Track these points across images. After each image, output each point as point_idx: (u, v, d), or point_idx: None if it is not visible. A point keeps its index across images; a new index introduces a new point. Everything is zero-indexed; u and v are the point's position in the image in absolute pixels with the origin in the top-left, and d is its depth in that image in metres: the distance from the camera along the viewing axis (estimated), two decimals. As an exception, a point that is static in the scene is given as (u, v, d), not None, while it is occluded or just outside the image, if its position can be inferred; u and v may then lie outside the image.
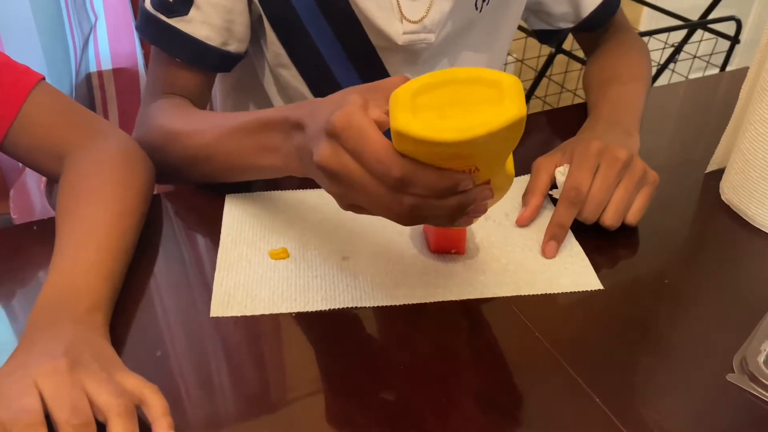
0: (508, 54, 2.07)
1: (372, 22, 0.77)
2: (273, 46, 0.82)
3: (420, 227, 0.64)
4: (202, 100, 0.79)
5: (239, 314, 0.55)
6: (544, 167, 0.66)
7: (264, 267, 0.59)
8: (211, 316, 0.54)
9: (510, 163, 0.49)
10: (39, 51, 1.26)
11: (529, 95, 2.04)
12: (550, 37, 0.95)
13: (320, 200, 0.68)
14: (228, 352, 0.52)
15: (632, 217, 0.63)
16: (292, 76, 0.84)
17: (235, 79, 0.94)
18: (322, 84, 0.84)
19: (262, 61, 0.86)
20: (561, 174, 0.65)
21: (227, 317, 0.54)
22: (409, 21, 0.77)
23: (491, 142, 0.40)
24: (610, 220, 0.62)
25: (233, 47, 0.76)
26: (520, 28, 1.92)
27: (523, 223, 0.65)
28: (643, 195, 0.63)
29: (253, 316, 0.55)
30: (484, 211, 0.48)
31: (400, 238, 0.63)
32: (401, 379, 0.50)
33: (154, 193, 0.66)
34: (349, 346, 0.53)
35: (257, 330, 0.54)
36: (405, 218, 0.46)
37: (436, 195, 0.44)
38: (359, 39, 0.80)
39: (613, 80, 0.83)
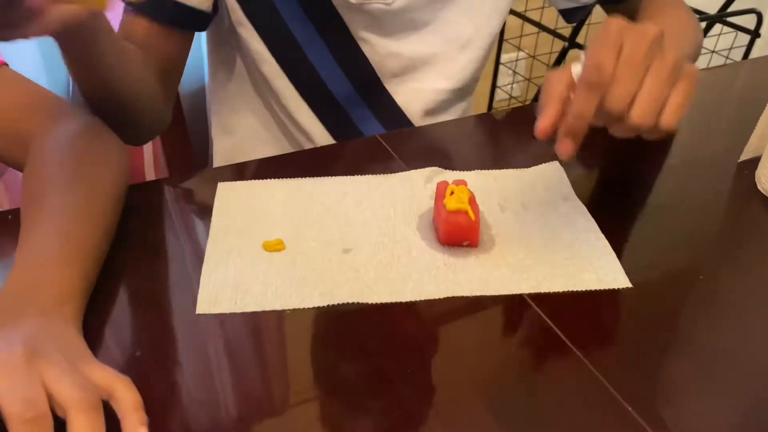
0: (520, 49, 2.01)
1: None
2: (233, 9, 0.77)
3: (429, 219, 0.59)
4: (161, 58, 0.73)
5: (228, 311, 0.49)
6: (557, 75, 0.51)
7: (257, 260, 0.54)
8: (197, 313, 0.49)
9: None
10: (37, 53, 1.23)
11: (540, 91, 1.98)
12: (576, 14, 0.89)
13: (319, 188, 0.62)
14: (215, 352, 0.47)
15: (669, 118, 0.47)
16: (250, 36, 0.79)
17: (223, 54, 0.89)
18: (282, 44, 0.79)
19: (224, 23, 0.81)
20: (578, 67, 0.50)
21: (214, 314, 0.49)
22: None
23: None
24: (640, 115, 0.47)
25: (192, 1, 0.72)
26: (533, 22, 1.88)
27: (542, 135, 0.49)
28: (680, 90, 0.48)
29: (243, 314, 0.49)
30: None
31: (406, 229, 0.58)
32: (407, 382, 0.44)
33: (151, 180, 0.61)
34: (349, 346, 0.47)
35: (247, 329, 0.49)
36: None
37: None
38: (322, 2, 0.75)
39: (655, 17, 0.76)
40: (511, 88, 2.12)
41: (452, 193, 0.55)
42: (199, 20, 0.74)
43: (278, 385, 0.45)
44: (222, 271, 0.53)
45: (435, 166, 0.65)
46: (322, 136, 0.86)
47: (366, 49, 0.80)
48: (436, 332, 0.49)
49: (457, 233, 0.54)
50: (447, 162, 0.67)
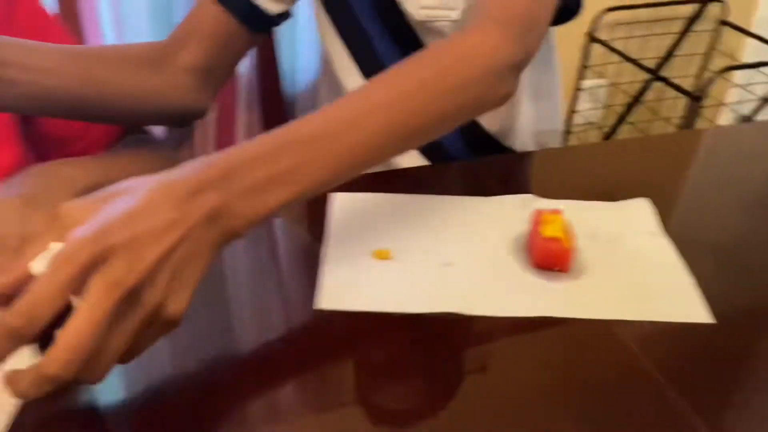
0: (601, 76, 2.04)
1: None
2: (319, 15, 0.84)
3: (522, 242, 0.64)
4: (211, 46, 0.77)
5: (343, 308, 0.56)
6: (66, 220, 0.42)
7: (367, 266, 0.60)
8: (315, 308, 0.56)
9: None
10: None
11: (621, 120, 2.00)
12: None
13: (424, 204, 0.68)
14: (328, 346, 0.53)
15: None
16: (337, 42, 0.85)
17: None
18: (363, 52, 0.85)
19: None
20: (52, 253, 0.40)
21: (330, 310, 0.56)
22: None
23: None
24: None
25: (264, 3, 0.77)
26: (616, 51, 1.90)
27: None
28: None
29: (353, 312, 0.56)
30: None
31: (502, 250, 0.63)
32: (493, 394, 0.50)
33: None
34: (442, 353, 0.53)
35: (356, 325, 0.55)
36: None
37: None
38: (395, 14, 0.80)
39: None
40: (590, 114, 2.14)
41: (548, 221, 0.60)
42: (262, 22, 0.79)
43: (376, 380, 0.51)
44: (338, 272, 0.59)
45: (529, 193, 0.71)
46: None
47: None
48: (524, 348, 0.54)
49: (551, 258, 0.59)
50: (539, 190, 0.72)
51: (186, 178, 0.43)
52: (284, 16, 0.83)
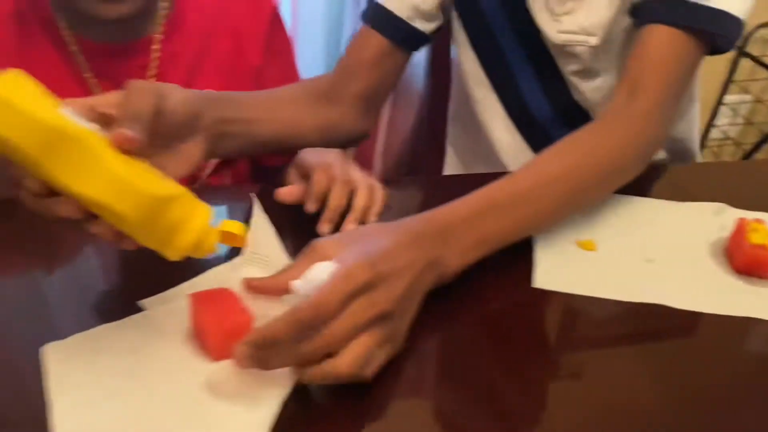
0: (746, 92, 1.99)
1: (536, 19, 0.82)
2: (458, 32, 0.90)
3: (719, 247, 0.67)
4: (375, 73, 0.86)
5: (556, 289, 0.61)
6: (320, 252, 0.52)
7: (574, 253, 0.66)
8: (533, 286, 0.61)
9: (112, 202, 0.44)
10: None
11: (766, 138, 1.95)
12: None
13: (622, 203, 0.73)
14: (546, 320, 0.59)
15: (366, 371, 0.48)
16: (473, 60, 0.91)
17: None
18: (498, 72, 0.90)
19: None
20: (317, 273, 0.49)
21: (546, 290, 0.61)
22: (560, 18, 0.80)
23: None
24: (344, 364, 0.47)
25: (419, 24, 0.85)
26: (765, 66, 1.85)
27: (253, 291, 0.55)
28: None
29: (567, 294, 0.61)
30: (96, 233, 0.47)
31: (702, 252, 0.66)
32: (700, 384, 0.53)
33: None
34: (647, 340, 0.57)
35: (570, 305, 0.60)
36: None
37: (16, 185, 0.47)
38: (533, 37, 0.84)
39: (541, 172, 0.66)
40: (729, 129, 2.10)
41: (754, 229, 0.63)
42: (421, 41, 0.87)
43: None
44: (549, 258, 0.65)
45: (719, 201, 0.74)
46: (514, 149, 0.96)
47: (572, 82, 0.87)
48: (729, 344, 0.57)
49: (757, 264, 0.62)
50: (729, 200, 0.74)
51: (417, 229, 0.55)
52: (436, 31, 0.89)
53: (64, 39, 0.82)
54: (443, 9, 0.88)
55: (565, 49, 0.83)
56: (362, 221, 0.64)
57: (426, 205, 0.59)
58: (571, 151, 0.67)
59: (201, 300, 0.52)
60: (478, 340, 0.56)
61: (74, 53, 0.82)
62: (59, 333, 0.53)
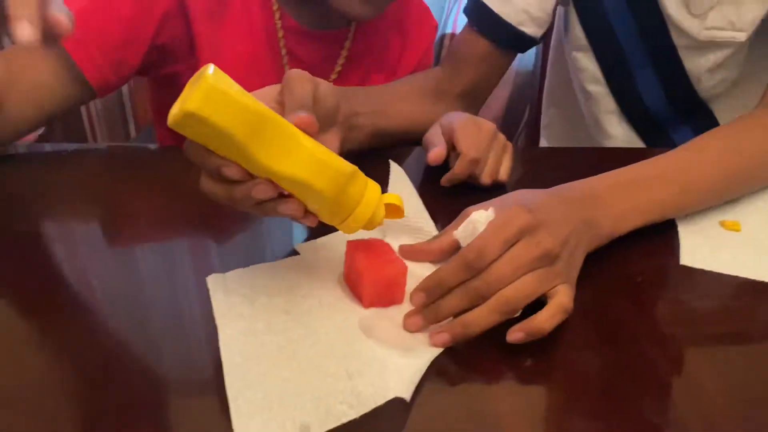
0: None
1: (672, 17, 0.79)
2: (575, 30, 0.88)
3: None
4: (480, 72, 0.86)
5: (703, 267, 0.60)
6: (445, 234, 0.57)
7: (718, 233, 0.65)
8: (681, 263, 0.60)
9: (308, 177, 0.45)
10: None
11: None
12: None
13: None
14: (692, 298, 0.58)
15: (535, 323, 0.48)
16: (589, 59, 0.90)
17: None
18: (616, 71, 0.89)
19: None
20: (475, 221, 0.51)
21: (694, 268, 0.60)
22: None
23: (189, 131, 0.43)
24: (512, 299, 0.48)
25: (529, 29, 0.83)
26: None
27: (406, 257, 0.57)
28: (546, 310, 0.48)
29: (712, 272, 0.59)
30: (289, 212, 0.47)
31: None
32: None
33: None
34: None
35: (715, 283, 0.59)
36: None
37: (209, 174, 0.47)
38: (661, 36, 0.82)
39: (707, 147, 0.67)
40: None
41: None
42: (527, 44, 0.86)
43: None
44: (694, 236, 0.63)
45: None
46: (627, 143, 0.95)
47: (696, 78, 0.86)
48: None
49: None
50: None
51: (566, 192, 0.57)
52: (545, 34, 0.88)
53: (272, 9, 0.83)
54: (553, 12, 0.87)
55: (704, 47, 0.82)
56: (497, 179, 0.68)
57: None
58: (732, 133, 0.67)
59: (358, 248, 0.53)
60: (623, 305, 0.55)
61: (276, 27, 0.83)
62: (220, 269, 0.55)
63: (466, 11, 0.86)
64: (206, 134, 0.43)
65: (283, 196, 0.47)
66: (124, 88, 1.34)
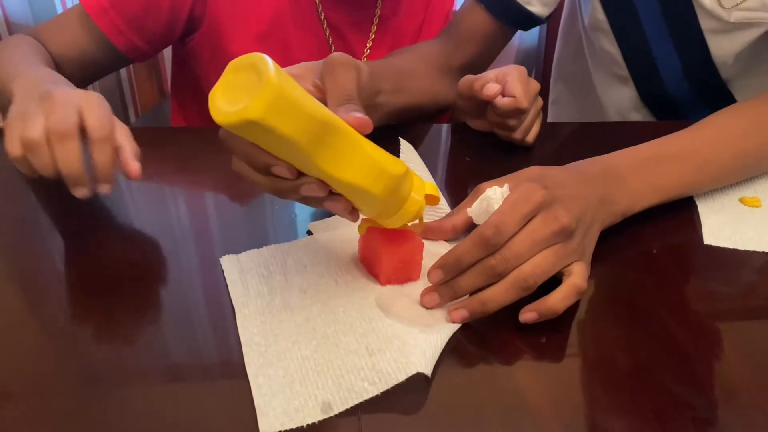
0: None
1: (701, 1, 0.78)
2: (596, 12, 0.86)
3: None
4: (481, 47, 0.84)
5: (727, 246, 0.59)
6: (460, 209, 0.56)
7: (740, 211, 0.63)
8: (705, 243, 0.59)
9: (358, 179, 0.43)
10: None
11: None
12: None
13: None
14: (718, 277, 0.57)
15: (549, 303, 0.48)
16: (609, 42, 0.88)
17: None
18: (638, 55, 0.88)
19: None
20: (489, 198, 0.51)
21: (717, 246, 0.59)
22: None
23: (244, 132, 0.39)
24: (530, 275, 0.47)
25: (536, 8, 0.82)
26: None
27: (425, 235, 0.56)
28: (562, 289, 0.48)
29: (742, 251, 0.58)
30: (337, 210, 0.46)
31: None
32: None
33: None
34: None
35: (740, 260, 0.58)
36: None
37: (256, 169, 0.44)
38: (687, 20, 0.80)
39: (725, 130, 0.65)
40: None
41: None
42: (532, 23, 0.84)
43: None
44: (716, 215, 0.62)
45: None
46: None
47: (722, 63, 0.84)
48: None
49: None
50: None
51: (582, 168, 0.56)
52: (552, 13, 0.86)
53: None
54: None
55: (733, 29, 0.80)
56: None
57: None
58: (751, 112, 0.66)
59: (373, 226, 0.52)
60: (644, 281, 0.55)
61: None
62: (232, 249, 0.55)
63: None
64: (264, 138, 0.40)
65: (332, 193, 0.45)
66: (123, 72, 1.33)
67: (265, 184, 0.45)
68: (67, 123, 0.51)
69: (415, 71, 0.78)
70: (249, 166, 0.44)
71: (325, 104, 0.45)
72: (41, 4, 1.20)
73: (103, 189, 0.53)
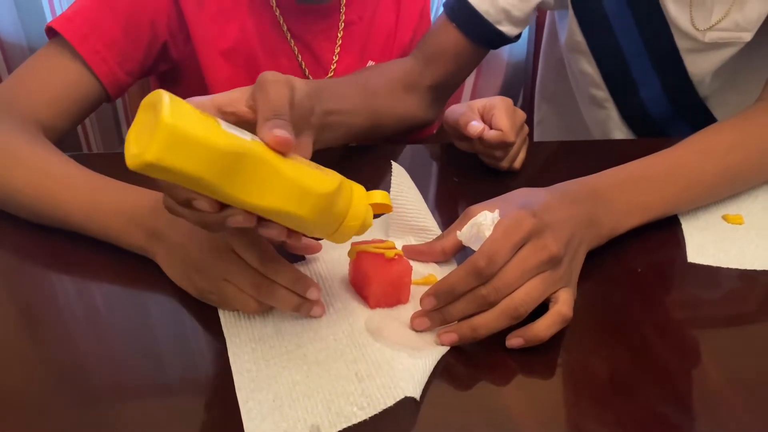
0: None
1: (674, 21, 0.80)
2: (574, 35, 0.87)
3: None
4: (451, 66, 0.84)
5: (710, 263, 0.60)
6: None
7: (722, 228, 0.64)
8: (689, 261, 0.60)
9: (277, 203, 0.42)
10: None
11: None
12: None
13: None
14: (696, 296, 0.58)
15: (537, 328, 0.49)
16: (588, 62, 0.90)
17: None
18: (616, 75, 0.89)
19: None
20: (480, 224, 0.51)
21: (701, 264, 0.60)
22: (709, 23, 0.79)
23: (152, 173, 0.38)
24: (521, 305, 0.48)
25: (506, 28, 0.83)
26: None
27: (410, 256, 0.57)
28: (548, 317, 0.49)
29: (726, 269, 0.59)
30: (271, 237, 0.45)
31: None
32: None
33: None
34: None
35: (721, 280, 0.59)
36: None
37: (180, 204, 0.43)
38: (663, 39, 0.82)
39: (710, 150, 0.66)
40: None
41: None
42: (501, 42, 0.85)
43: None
44: (699, 233, 0.63)
45: None
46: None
47: (699, 81, 0.86)
48: None
49: None
50: None
51: (568, 189, 0.57)
52: (520, 34, 0.87)
53: None
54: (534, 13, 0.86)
55: (708, 48, 0.82)
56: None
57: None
58: (735, 128, 0.67)
59: (363, 249, 0.53)
60: (629, 299, 0.56)
61: (273, 8, 0.83)
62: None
63: (445, 4, 0.85)
64: (173, 177, 0.38)
65: (262, 219, 0.44)
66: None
67: (193, 219, 0.44)
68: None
69: (377, 90, 0.77)
70: (174, 201, 0.43)
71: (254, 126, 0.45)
72: (33, 23, 1.21)
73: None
